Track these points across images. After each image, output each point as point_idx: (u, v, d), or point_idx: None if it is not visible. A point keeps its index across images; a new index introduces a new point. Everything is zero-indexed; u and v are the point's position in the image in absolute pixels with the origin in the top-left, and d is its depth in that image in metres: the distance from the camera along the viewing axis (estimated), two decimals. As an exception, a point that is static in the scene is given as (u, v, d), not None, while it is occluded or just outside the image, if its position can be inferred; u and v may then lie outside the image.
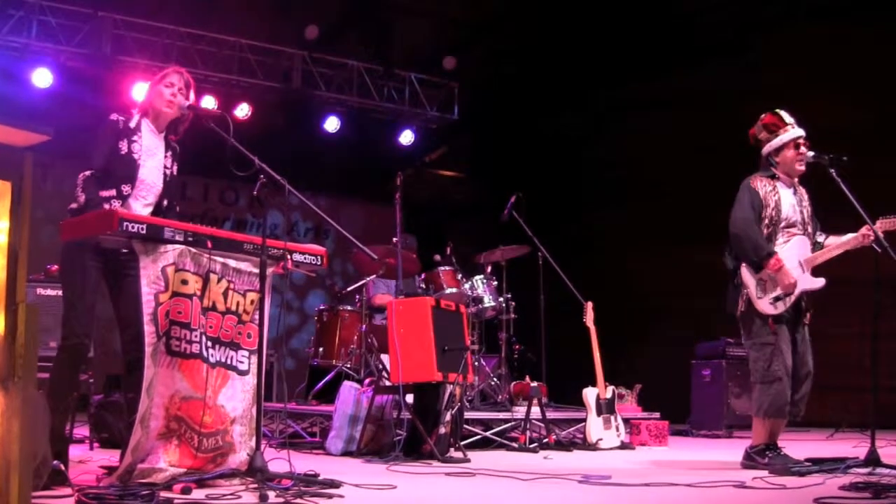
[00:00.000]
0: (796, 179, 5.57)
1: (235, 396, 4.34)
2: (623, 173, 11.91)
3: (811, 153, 5.41)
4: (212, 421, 4.20)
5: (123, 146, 4.46)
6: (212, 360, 4.23)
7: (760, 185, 5.47)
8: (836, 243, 5.39)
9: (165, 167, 4.66)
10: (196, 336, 4.16)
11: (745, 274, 5.40)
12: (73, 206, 4.36)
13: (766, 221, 5.40)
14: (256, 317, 4.41)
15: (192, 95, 4.70)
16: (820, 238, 5.53)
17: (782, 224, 5.41)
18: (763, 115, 5.60)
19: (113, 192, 4.39)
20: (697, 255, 7.10)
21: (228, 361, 4.34)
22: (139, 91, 4.68)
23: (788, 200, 5.46)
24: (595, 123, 12.31)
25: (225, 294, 4.32)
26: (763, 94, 5.70)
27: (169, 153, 4.69)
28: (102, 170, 4.40)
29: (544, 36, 11.99)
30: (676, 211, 10.86)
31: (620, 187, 11.92)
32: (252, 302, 4.42)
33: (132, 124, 4.54)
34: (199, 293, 4.20)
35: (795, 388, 5.33)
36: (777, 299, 5.30)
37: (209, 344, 4.23)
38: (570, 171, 12.45)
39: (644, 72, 11.51)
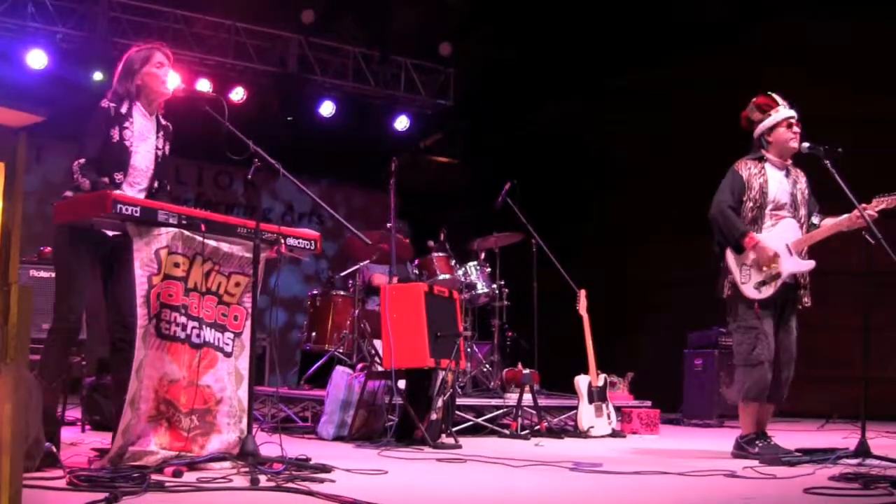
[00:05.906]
0: (790, 161, 5.55)
1: (221, 378, 4.34)
2: (619, 162, 11.87)
3: (806, 144, 5.38)
4: (194, 400, 4.18)
5: (115, 134, 4.42)
6: (197, 340, 4.23)
7: (745, 168, 5.48)
8: (828, 224, 5.38)
9: (157, 148, 4.61)
10: (184, 318, 4.16)
11: (730, 259, 5.42)
12: (68, 193, 4.32)
13: (751, 204, 5.40)
14: (244, 300, 4.41)
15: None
16: (815, 220, 5.49)
17: (769, 206, 5.40)
18: (755, 98, 5.60)
19: (105, 181, 4.35)
20: (692, 244, 7.10)
21: (215, 342, 4.33)
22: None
23: (777, 182, 5.44)
24: (591, 111, 12.26)
25: (207, 275, 4.29)
26: (763, 83, 5.68)
27: (161, 133, 4.65)
28: (95, 159, 4.36)
29: (541, 22, 11.95)
30: (672, 200, 10.84)
31: (616, 176, 11.89)
32: (237, 284, 4.40)
33: (123, 110, 4.48)
34: (185, 275, 4.20)
35: (778, 372, 5.35)
36: (762, 284, 5.31)
37: (195, 325, 4.23)
38: (566, 158, 12.42)
39: (642, 59, 11.46)
